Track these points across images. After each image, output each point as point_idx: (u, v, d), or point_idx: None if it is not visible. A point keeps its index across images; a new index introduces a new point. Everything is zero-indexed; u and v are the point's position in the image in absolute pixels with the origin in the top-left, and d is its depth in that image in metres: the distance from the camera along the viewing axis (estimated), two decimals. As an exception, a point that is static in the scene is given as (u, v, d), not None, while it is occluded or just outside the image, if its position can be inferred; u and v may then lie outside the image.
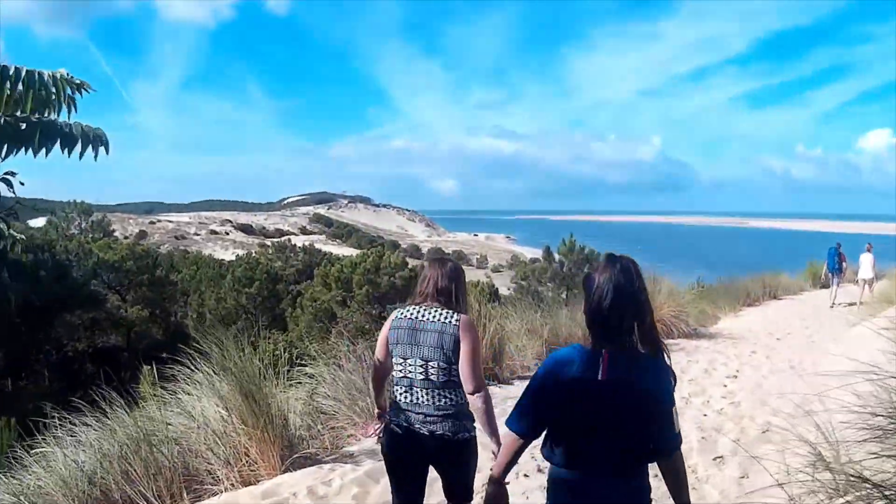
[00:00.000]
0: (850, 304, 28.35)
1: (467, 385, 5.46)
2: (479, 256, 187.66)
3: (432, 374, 5.53)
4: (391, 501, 6.05)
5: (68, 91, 6.23)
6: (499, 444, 5.07)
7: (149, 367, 11.09)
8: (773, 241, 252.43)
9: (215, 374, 8.76)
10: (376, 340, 6.11)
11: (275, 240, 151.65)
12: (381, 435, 6.01)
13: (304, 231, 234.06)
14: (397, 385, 5.75)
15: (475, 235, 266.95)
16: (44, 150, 5.97)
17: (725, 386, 14.65)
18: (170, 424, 8.70)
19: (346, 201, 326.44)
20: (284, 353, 10.87)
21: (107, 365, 38.08)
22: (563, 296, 36.56)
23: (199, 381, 8.95)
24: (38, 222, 78.41)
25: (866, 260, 28.60)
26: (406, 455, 5.71)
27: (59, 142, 6.00)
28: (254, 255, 78.15)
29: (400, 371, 5.69)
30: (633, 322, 4.09)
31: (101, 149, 6.30)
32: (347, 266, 43.91)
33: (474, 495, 5.91)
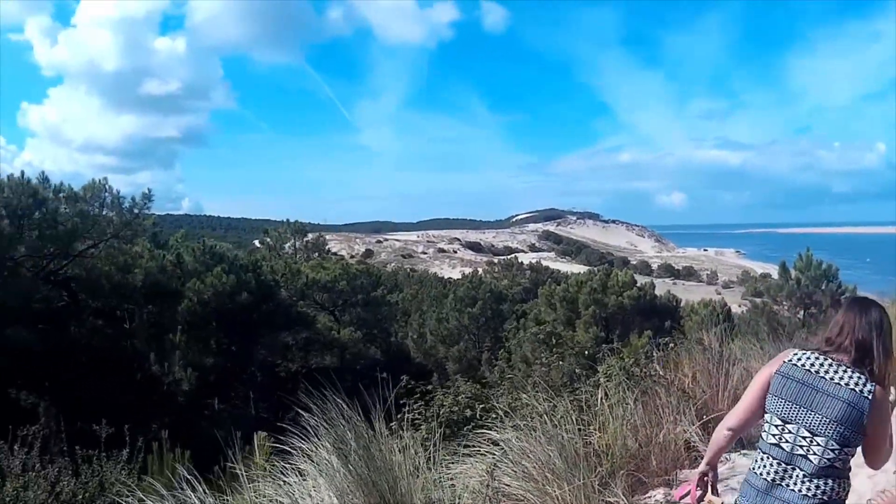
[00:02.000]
0: None
1: (878, 461, 4.27)
2: (709, 272, 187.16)
3: (815, 453, 4.11)
4: None
5: None
6: None
7: (265, 433, 8.92)
8: None
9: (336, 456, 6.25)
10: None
11: (502, 258, 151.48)
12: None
13: (532, 248, 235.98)
14: (762, 453, 4.34)
15: (704, 250, 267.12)
16: None
17: None
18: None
19: (574, 217, 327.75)
20: (464, 409, 8.54)
21: (321, 386, 37.82)
22: (800, 315, 33.99)
23: (321, 462, 6.44)
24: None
25: None
26: None
27: None
28: (480, 273, 77.10)
29: (774, 436, 4.26)
30: None
31: None
32: (573, 285, 42.07)
33: None
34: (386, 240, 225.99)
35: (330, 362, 41.60)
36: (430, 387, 9.87)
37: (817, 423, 4.09)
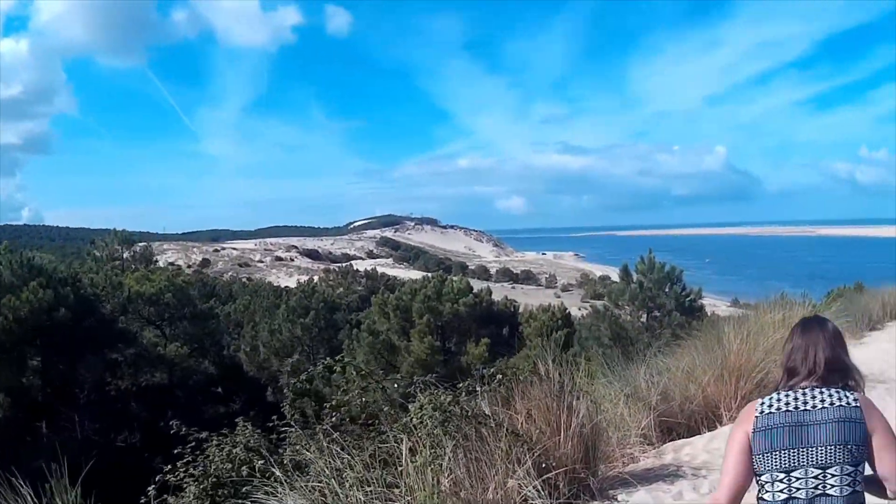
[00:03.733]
0: None
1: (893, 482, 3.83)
2: (547, 276, 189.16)
3: (832, 486, 3.81)
4: None
5: None
6: None
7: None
8: (845, 250, 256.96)
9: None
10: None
11: (339, 265, 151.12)
12: None
13: (370, 255, 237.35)
14: None
15: (543, 254, 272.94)
16: None
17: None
18: None
19: (412, 223, 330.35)
20: (240, 466, 7.20)
21: (154, 403, 36.26)
22: (643, 319, 34.27)
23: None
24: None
25: None
26: None
27: None
28: (315, 281, 76.15)
29: (782, 492, 3.88)
30: None
31: None
32: (407, 293, 40.97)
33: None
34: (223, 248, 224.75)
35: (160, 379, 40.34)
36: (203, 434, 8.24)
37: (822, 455, 3.87)
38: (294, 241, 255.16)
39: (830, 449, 3.82)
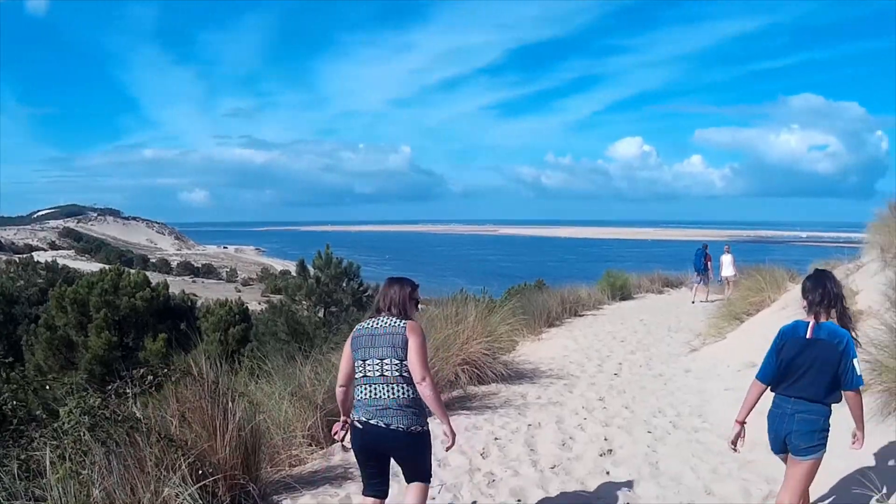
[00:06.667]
0: (710, 301, 31.71)
1: (415, 373, 6.42)
2: (228, 269, 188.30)
3: (387, 370, 6.51)
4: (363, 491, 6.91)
5: None
6: (450, 426, 6.64)
7: None
8: (528, 249, 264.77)
9: None
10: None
11: (21, 256, 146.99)
12: (345, 442, 6.87)
13: (53, 246, 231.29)
14: (357, 386, 6.66)
15: (224, 248, 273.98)
16: None
17: (608, 473, 9.54)
18: None
19: (95, 214, 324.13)
20: None
21: None
22: (321, 314, 34.92)
23: None
24: None
25: (727, 260, 33.28)
26: (369, 447, 6.60)
27: None
28: (-5, 273, 73.74)
29: (360, 372, 6.63)
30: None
31: None
32: (83, 286, 39.75)
33: (432, 477, 7.02)
34: None
35: None
36: None
37: (382, 353, 6.47)
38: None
39: (385, 350, 6.46)
